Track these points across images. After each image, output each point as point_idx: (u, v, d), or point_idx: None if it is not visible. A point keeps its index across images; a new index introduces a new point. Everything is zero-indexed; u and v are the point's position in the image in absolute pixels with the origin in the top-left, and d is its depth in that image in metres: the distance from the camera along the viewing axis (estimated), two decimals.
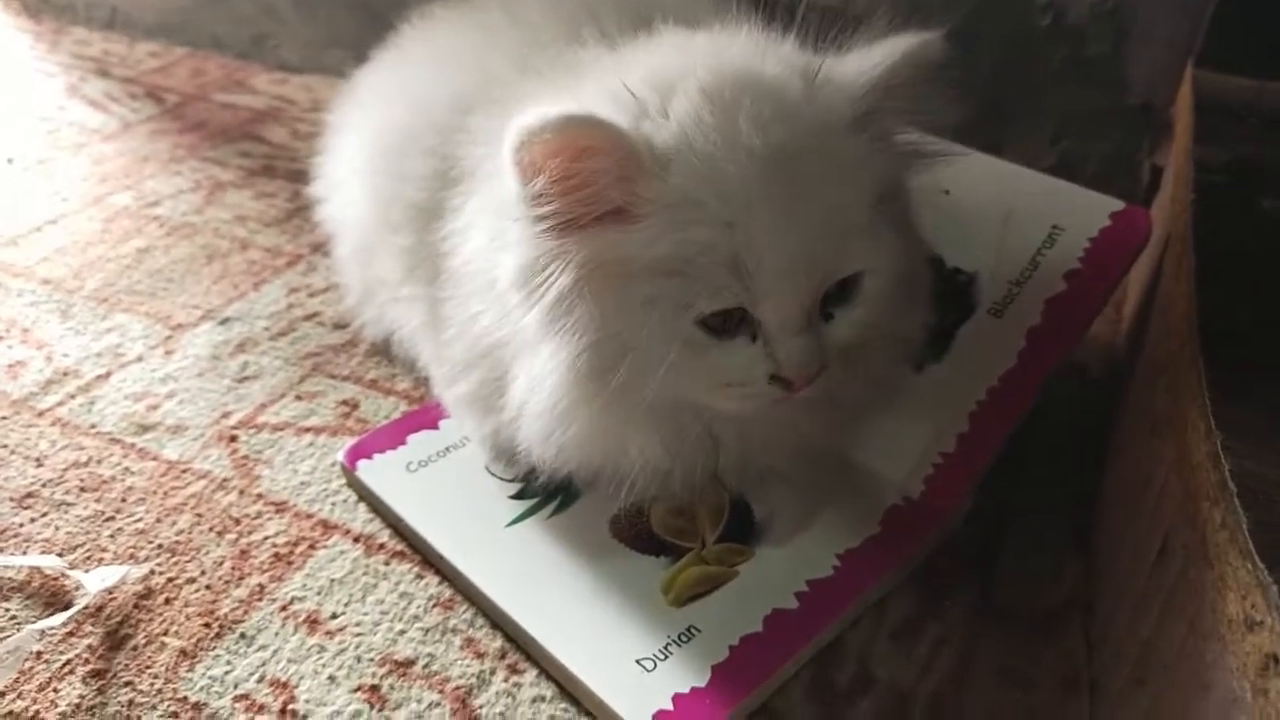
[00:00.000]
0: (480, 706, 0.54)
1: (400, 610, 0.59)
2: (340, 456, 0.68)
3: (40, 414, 0.74)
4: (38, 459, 0.70)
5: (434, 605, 0.60)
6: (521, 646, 0.57)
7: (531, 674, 0.56)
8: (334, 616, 0.59)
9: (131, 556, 0.63)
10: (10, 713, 0.53)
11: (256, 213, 1.01)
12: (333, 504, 0.67)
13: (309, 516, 0.66)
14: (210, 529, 0.65)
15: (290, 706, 0.54)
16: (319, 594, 0.60)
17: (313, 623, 0.58)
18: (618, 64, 0.54)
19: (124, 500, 0.67)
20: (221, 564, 0.62)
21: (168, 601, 0.60)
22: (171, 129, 1.19)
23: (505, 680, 0.55)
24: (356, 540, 0.64)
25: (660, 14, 0.58)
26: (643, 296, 0.50)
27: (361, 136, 0.74)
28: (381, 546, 0.64)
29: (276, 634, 0.58)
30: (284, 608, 0.59)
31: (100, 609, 0.59)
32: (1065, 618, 0.60)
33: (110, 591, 0.60)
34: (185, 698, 0.54)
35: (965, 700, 0.55)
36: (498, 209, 0.54)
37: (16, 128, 1.18)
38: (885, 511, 0.63)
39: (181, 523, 0.65)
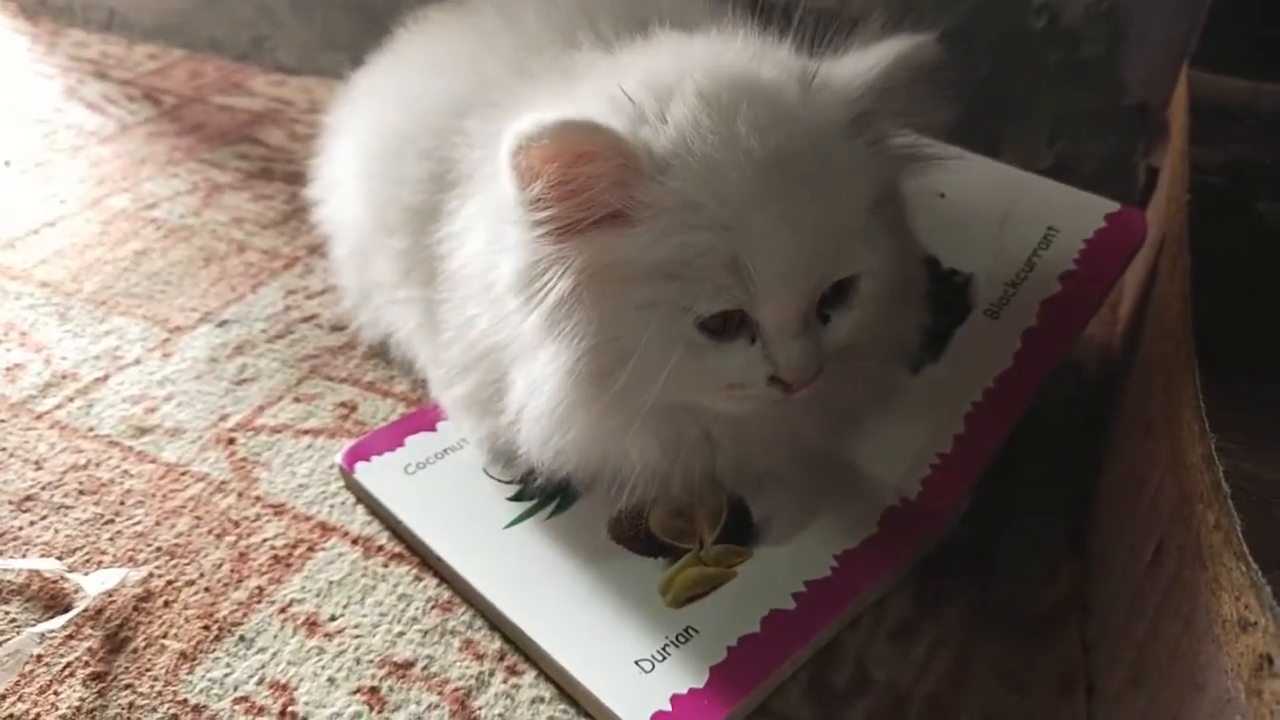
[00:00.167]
0: (479, 708, 0.54)
1: (399, 612, 0.59)
2: (338, 459, 0.68)
3: (39, 417, 0.74)
4: (36, 462, 0.70)
5: (433, 607, 0.60)
6: (520, 648, 0.57)
7: (530, 675, 0.56)
8: (333, 618, 0.59)
9: (131, 559, 0.63)
10: (11, 715, 0.53)
11: (254, 215, 1.01)
12: (331, 506, 0.67)
13: (307, 519, 0.66)
14: (209, 531, 0.65)
15: (290, 708, 0.54)
16: (318, 596, 0.60)
17: (312, 625, 0.59)
18: (614, 68, 0.54)
19: (123, 503, 0.67)
20: (220, 566, 0.62)
21: (167, 604, 0.60)
22: (169, 131, 1.19)
23: (504, 682, 0.55)
24: (355, 542, 0.64)
25: (656, 17, 0.58)
26: (642, 300, 0.50)
27: (358, 139, 0.74)
28: (380, 549, 0.64)
29: (276, 636, 0.58)
30: (283, 610, 0.59)
31: (100, 612, 0.59)
32: (1062, 619, 0.60)
33: (110, 594, 0.60)
34: (185, 700, 0.54)
35: (962, 701, 0.55)
36: (495, 212, 0.54)
37: (14, 130, 1.18)
38: (882, 513, 0.63)
39: (180, 525, 0.65)
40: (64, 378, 0.78)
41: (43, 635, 0.57)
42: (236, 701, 0.54)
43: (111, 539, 0.64)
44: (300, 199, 0.93)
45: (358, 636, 0.58)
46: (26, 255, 0.94)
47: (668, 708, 0.52)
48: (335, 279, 0.84)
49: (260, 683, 0.55)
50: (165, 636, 0.58)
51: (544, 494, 0.64)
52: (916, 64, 0.52)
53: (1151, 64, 0.90)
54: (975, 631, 0.59)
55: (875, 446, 0.66)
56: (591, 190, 0.47)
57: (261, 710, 0.54)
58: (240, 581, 0.61)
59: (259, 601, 0.60)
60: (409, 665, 0.56)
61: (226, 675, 0.56)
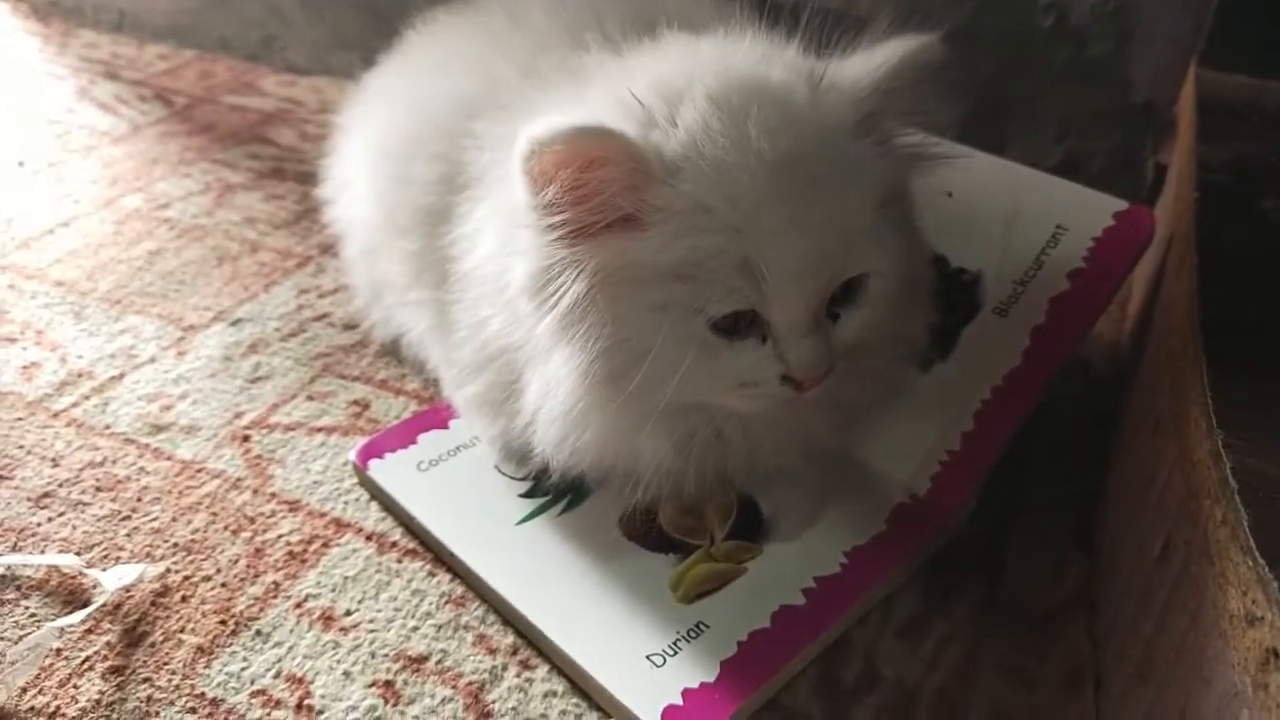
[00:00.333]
0: (493, 701, 0.55)
1: (413, 607, 0.60)
2: (352, 456, 0.69)
3: (55, 415, 0.75)
4: (54, 459, 0.71)
5: (446, 602, 0.61)
6: (533, 643, 0.58)
7: (543, 670, 0.56)
8: (348, 613, 0.60)
9: (148, 555, 0.64)
10: (32, 708, 0.54)
11: (266, 215, 1.02)
12: (345, 503, 0.68)
13: (322, 515, 0.67)
14: (225, 528, 0.65)
15: (306, 702, 0.54)
16: (333, 591, 0.61)
17: (327, 619, 0.59)
18: (623, 70, 0.55)
19: (139, 500, 0.68)
20: (237, 562, 0.63)
21: (184, 599, 0.61)
22: (181, 131, 1.20)
23: (517, 676, 0.56)
24: (369, 538, 0.65)
25: (664, 18, 0.59)
26: (655, 302, 0.50)
27: (368, 139, 0.75)
28: (394, 545, 0.65)
29: (292, 631, 0.59)
30: (298, 605, 0.60)
31: (118, 607, 0.60)
32: (1070, 615, 0.60)
33: (127, 589, 0.61)
34: (203, 694, 0.55)
35: (971, 697, 0.55)
36: (507, 215, 0.54)
37: (27, 131, 1.19)
38: (891, 509, 0.63)
39: (197, 521, 0.66)
40: (80, 376, 0.79)
41: (62, 630, 0.58)
42: (253, 695, 0.55)
43: (129, 535, 0.65)
44: (312, 199, 0.93)
45: (372, 631, 0.59)
46: (41, 255, 0.95)
47: (679, 702, 0.52)
48: (347, 278, 0.85)
49: (277, 676, 0.56)
50: (183, 631, 0.59)
51: (556, 491, 0.65)
52: (922, 64, 0.52)
53: (1159, 62, 0.90)
54: (983, 628, 0.59)
55: (884, 444, 0.66)
56: (604, 194, 0.48)
57: (278, 703, 0.54)
58: (256, 577, 0.62)
59: (275, 596, 0.61)
60: (423, 659, 0.57)
61: (243, 669, 0.56)
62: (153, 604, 0.60)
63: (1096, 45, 0.91)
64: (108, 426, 0.74)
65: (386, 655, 0.57)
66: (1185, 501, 0.47)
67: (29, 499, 0.68)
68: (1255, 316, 0.54)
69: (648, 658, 0.55)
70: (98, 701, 0.54)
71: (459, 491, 0.66)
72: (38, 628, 0.58)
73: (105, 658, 0.57)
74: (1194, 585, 0.44)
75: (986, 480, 0.64)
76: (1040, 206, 0.72)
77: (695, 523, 0.63)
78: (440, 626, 0.59)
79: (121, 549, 0.64)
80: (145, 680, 0.56)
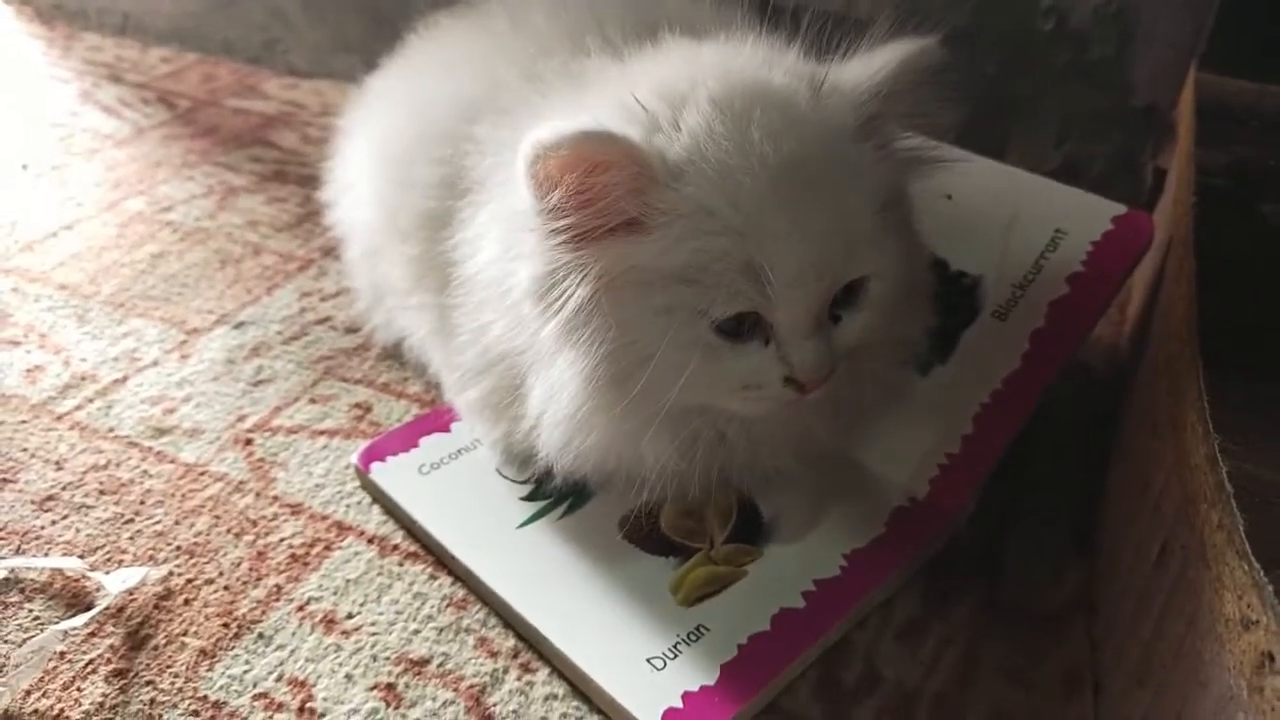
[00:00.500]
0: (494, 704, 0.55)
1: (414, 610, 0.60)
2: (354, 459, 0.69)
3: (59, 418, 0.76)
4: (57, 462, 0.71)
5: (447, 605, 0.61)
6: (534, 646, 0.58)
7: (544, 673, 0.57)
8: (350, 616, 0.60)
9: (151, 558, 0.64)
10: (35, 711, 0.54)
11: (268, 218, 1.02)
12: (347, 506, 0.68)
13: (324, 518, 0.67)
14: (228, 531, 0.66)
15: (308, 705, 0.55)
16: (335, 594, 0.61)
17: (329, 622, 0.60)
18: (625, 75, 0.55)
19: (143, 503, 0.68)
20: (239, 565, 0.63)
21: (187, 602, 0.61)
22: (183, 134, 1.20)
23: (518, 679, 0.56)
24: (371, 541, 0.65)
25: (665, 23, 0.59)
26: (659, 305, 0.51)
27: (370, 142, 0.75)
28: (395, 548, 0.65)
29: (294, 634, 0.59)
30: (301, 608, 0.60)
31: (121, 610, 0.60)
32: (1069, 618, 0.60)
33: (131, 592, 0.61)
34: (205, 696, 0.55)
35: (970, 699, 0.55)
36: (509, 220, 0.55)
37: (30, 134, 1.20)
38: (891, 512, 0.64)
39: (199, 525, 0.66)
40: (83, 379, 0.80)
41: (65, 633, 0.58)
42: (256, 698, 0.55)
43: (132, 538, 0.65)
44: (314, 202, 0.94)
45: (374, 634, 0.59)
46: (45, 258, 0.95)
47: (679, 705, 0.52)
48: (349, 281, 0.85)
49: (279, 679, 0.56)
50: (185, 634, 0.59)
51: (557, 494, 0.65)
52: (922, 66, 0.53)
53: (1159, 66, 0.90)
54: (982, 630, 0.59)
55: (884, 447, 0.67)
56: (608, 198, 0.48)
57: (280, 706, 0.55)
58: (259, 580, 0.62)
59: (277, 599, 0.61)
60: (424, 662, 0.57)
61: (246, 672, 0.57)
62: (156, 607, 0.61)
63: (1097, 48, 0.92)
64: (111, 429, 0.74)
65: (388, 658, 0.57)
66: (1182, 506, 0.47)
67: (33, 502, 0.68)
68: (1254, 321, 0.54)
69: (648, 660, 0.55)
70: (101, 704, 0.55)
71: (460, 494, 0.66)
72: (41, 631, 0.58)
73: (108, 661, 0.57)
74: (1191, 589, 0.44)
75: (986, 483, 0.65)
76: (1039, 211, 0.72)
77: (695, 525, 0.63)
78: (442, 629, 0.59)
79: (124, 552, 0.64)
80: (148, 683, 0.56)
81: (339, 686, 0.56)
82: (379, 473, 0.68)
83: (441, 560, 0.63)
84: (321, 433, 0.74)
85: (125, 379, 0.80)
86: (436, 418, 0.72)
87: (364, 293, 0.80)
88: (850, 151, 0.52)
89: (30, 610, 0.60)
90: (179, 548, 0.65)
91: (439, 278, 0.64)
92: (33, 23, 1.53)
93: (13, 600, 0.61)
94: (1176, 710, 0.43)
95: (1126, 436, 0.66)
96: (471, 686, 0.56)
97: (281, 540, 0.65)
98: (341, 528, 0.66)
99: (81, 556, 0.64)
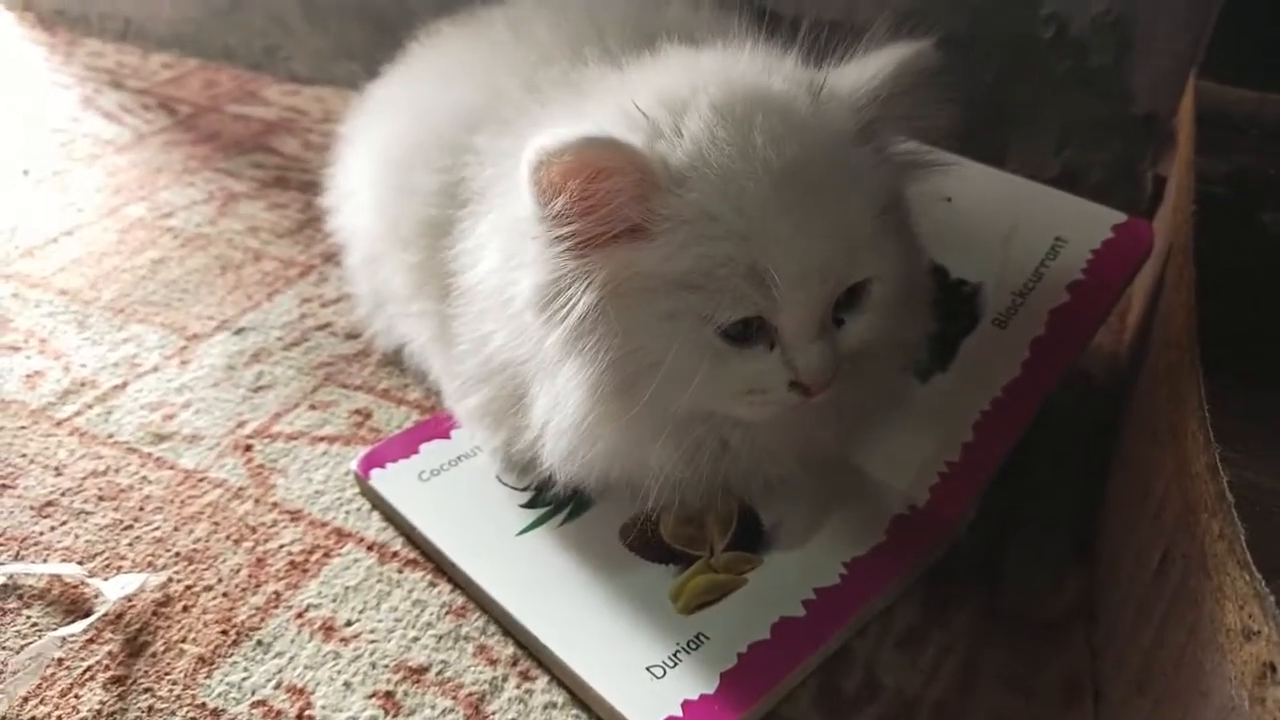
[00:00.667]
0: (493, 713, 0.55)
1: (414, 617, 0.60)
2: (353, 465, 0.69)
3: (58, 424, 0.76)
4: (56, 468, 0.71)
5: (447, 612, 0.61)
6: (533, 653, 0.58)
7: (543, 681, 0.57)
8: (349, 624, 0.60)
9: (150, 564, 0.64)
10: (33, 718, 0.54)
11: (269, 224, 1.03)
12: (346, 512, 0.68)
13: (323, 525, 0.67)
14: (227, 537, 0.66)
15: (307, 713, 0.55)
16: (334, 601, 0.61)
17: (328, 630, 0.59)
18: (624, 84, 0.55)
19: (142, 509, 0.68)
20: (238, 572, 0.63)
21: (186, 609, 0.61)
22: (184, 140, 1.20)
23: (517, 687, 0.56)
24: (370, 548, 0.65)
25: (664, 32, 0.59)
26: (665, 311, 0.51)
27: (371, 148, 0.75)
28: (395, 554, 0.65)
29: (293, 641, 0.59)
30: (300, 615, 0.60)
31: (119, 616, 0.60)
32: (1069, 625, 0.60)
33: (129, 599, 0.61)
34: (204, 704, 0.55)
35: (970, 707, 0.55)
36: (511, 229, 0.55)
37: (31, 139, 1.20)
38: (891, 520, 0.64)
39: (199, 531, 0.66)
40: (83, 385, 0.80)
41: (63, 639, 0.58)
42: (254, 705, 0.55)
43: (131, 544, 0.65)
44: (314, 208, 0.94)
45: (373, 641, 0.59)
46: (45, 263, 0.95)
47: (679, 713, 0.52)
48: (349, 287, 0.85)
49: (278, 687, 0.56)
50: (184, 641, 0.59)
51: (557, 501, 0.65)
52: (918, 69, 0.53)
53: (1159, 74, 0.90)
54: (983, 638, 0.59)
55: (884, 455, 0.66)
56: (611, 205, 0.48)
57: (279, 714, 0.55)
58: (258, 587, 0.62)
59: (276, 607, 0.61)
60: (423, 670, 0.57)
61: (244, 679, 0.56)
62: (154, 614, 0.61)
63: (1097, 56, 0.92)
64: (110, 435, 0.74)
65: (387, 666, 0.57)
66: (1183, 514, 0.47)
67: (32, 508, 0.68)
68: (1254, 328, 0.54)
69: (648, 669, 0.55)
70: (99, 712, 0.55)
71: (460, 501, 0.66)
72: (39, 637, 0.58)
73: (107, 667, 0.57)
74: (1192, 599, 0.44)
75: (986, 490, 0.64)
76: (1039, 219, 0.72)
77: (695, 533, 0.63)
78: (441, 637, 0.59)
79: (123, 558, 0.64)
80: (146, 690, 0.56)
81: (338, 694, 0.56)
82: (379, 479, 0.68)
83: (441, 567, 0.63)
84: (321, 439, 0.74)
85: (125, 385, 0.80)
86: (437, 424, 0.72)
87: (365, 299, 0.80)
88: (851, 155, 0.52)
89: (28, 616, 0.60)
90: (178, 554, 0.64)
91: (439, 285, 0.64)
92: (34, 28, 1.53)
93: (10, 606, 0.61)
94: None
95: (1127, 444, 0.66)
96: (470, 694, 0.56)
97: (281, 547, 0.65)
98: (341, 534, 0.66)
99: (80, 563, 0.64)
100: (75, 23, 1.51)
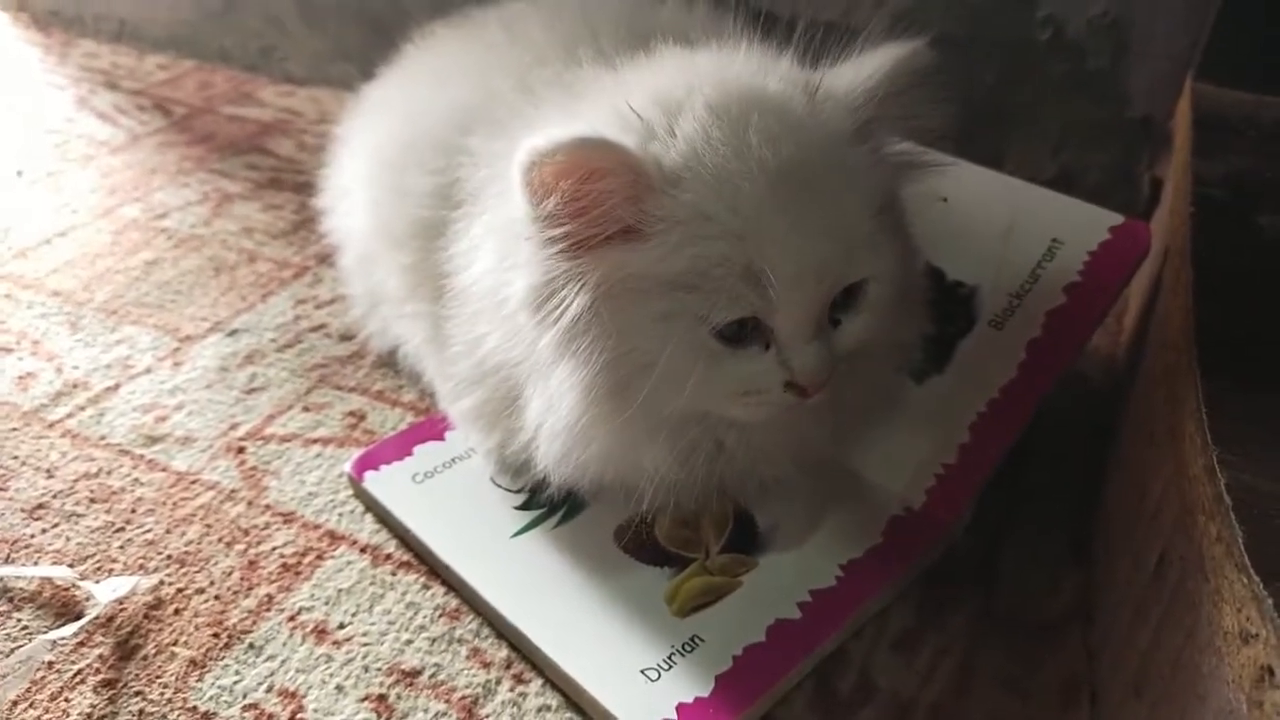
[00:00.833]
0: (486, 716, 0.54)
1: (407, 620, 0.60)
2: (347, 468, 0.69)
3: (50, 425, 0.75)
4: (48, 470, 0.71)
5: (440, 615, 0.60)
6: (527, 656, 0.58)
7: (537, 684, 0.56)
8: (341, 626, 0.59)
9: (141, 567, 0.63)
10: None
11: (264, 225, 1.02)
12: (340, 515, 0.68)
13: (316, 527, 0.66)
14: (219, 540, 0.65)
15: (299, 716, 0.54)
16: (327, 604, 0.61)
17: (320, 633, 0.59)
18: (618, 85, 0.55)
19: (134, 511, 0.67)
20: (230, 574, 0.63)
21: (177, 612, 0.60)
22: (179, 141, 1.20)
23: (511, 690, 0.56)
24: (363, 551, 0.65)
25: (659, 32, 0.59)
26: (659, 312, 0.50)
27: (366, 149, 0.75)
28: (388, 557, 0.64)
29: (285, 644, 0.58)
30: (292, 618, 0.60)
31: (111, 619, 0.60)
32: (1065, 627, 0.60)
33: (120, 602, 0.61)
34: (195, 707, 0.55)
35: (966, 709, 0.55)
36: (504, 230, 0.54)
37: (26, 140, 1.19)
38: (887, 522, 0.63)
39: (191, 533, 0.66)
40: (75, 386, 0.79)
41: (54, 642, 0.58)
42: (246, 709, 0.55)
43: (122, 547, 0.65)
44: (309, 209, 0.94)
45: (366, 644, 0.58)
46: (38, 264, 0.95)
47: (673, 716, 0.52)
48: (344, 288, 0.85)
49: (269, 690, 0.56)
50: (175, 644, 0.58)
51: (551, 503, 0.65)
52: (913, 69, 0.53)
53: (1155, 76, 0.90)
54: (979, 640, 0.59)
55: (880, 456, 0.66)
56: (604, 206, 0.48)
57: (270, 718, 0.54)
58: (250, 589, 0.62)
59: (268, 609, 0.60)
60: (417, 673, 0.57)
61: (236, 683, 0.56)
62: (145, 617, 0.60)
63: (1094, 59, 0.92)
64: (103, 437, 0.74)
65: (380, 669, 0.57)
66: (1181, 517, 0.47)
67: (23, 510, 0.67)
68: (1252, 331, 0.54)
69: (642, 672, 0.54)
70: (89, 715, 0.54)
71: (454, 504, 0.66)
72: (29, 640, 0.58)
73: (97, 671, 0.57)
74: (1189, 601, 0.43)
75: (982, 492, 0.64)
76: (1036, 220, 0.72)
77: (691, 535, 0.63)
78: (434, 640, 0.59)
79: (115, 561, 0.64)
80: (137, 694, 0.55)
81: (330, 698, 0.55)
82: (372, 481, 0.67)
83: (435, 570, 0.63)
84: (315, 441, 0.74)
85: (118, 386, 0.79)
86: (431, 426, 0.72)
87: (359, 300, 0.80)
88: (847, 155, 0.52)
89: (19, 620, 0.60)
90: (170, 556, 0.64)
91: (433, 286, 0.63)
92: (29, 29, 1.52)
93: (1, 609, 0.61)
94: None
95: (1124, 446, 0.66)
96: (464, 698, 0.55)
97: (273, 549, 0.65)
98: (334, 537, 0.66)
99: (71, 565, 0.63)
100: (70, 23, 1.51)
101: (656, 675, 0.54)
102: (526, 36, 0.67)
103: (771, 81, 0.52)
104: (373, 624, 0.60)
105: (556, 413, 0.55)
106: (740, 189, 0.48)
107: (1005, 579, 0.63)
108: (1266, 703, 0.34)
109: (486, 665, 0.57)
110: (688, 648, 0.56)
